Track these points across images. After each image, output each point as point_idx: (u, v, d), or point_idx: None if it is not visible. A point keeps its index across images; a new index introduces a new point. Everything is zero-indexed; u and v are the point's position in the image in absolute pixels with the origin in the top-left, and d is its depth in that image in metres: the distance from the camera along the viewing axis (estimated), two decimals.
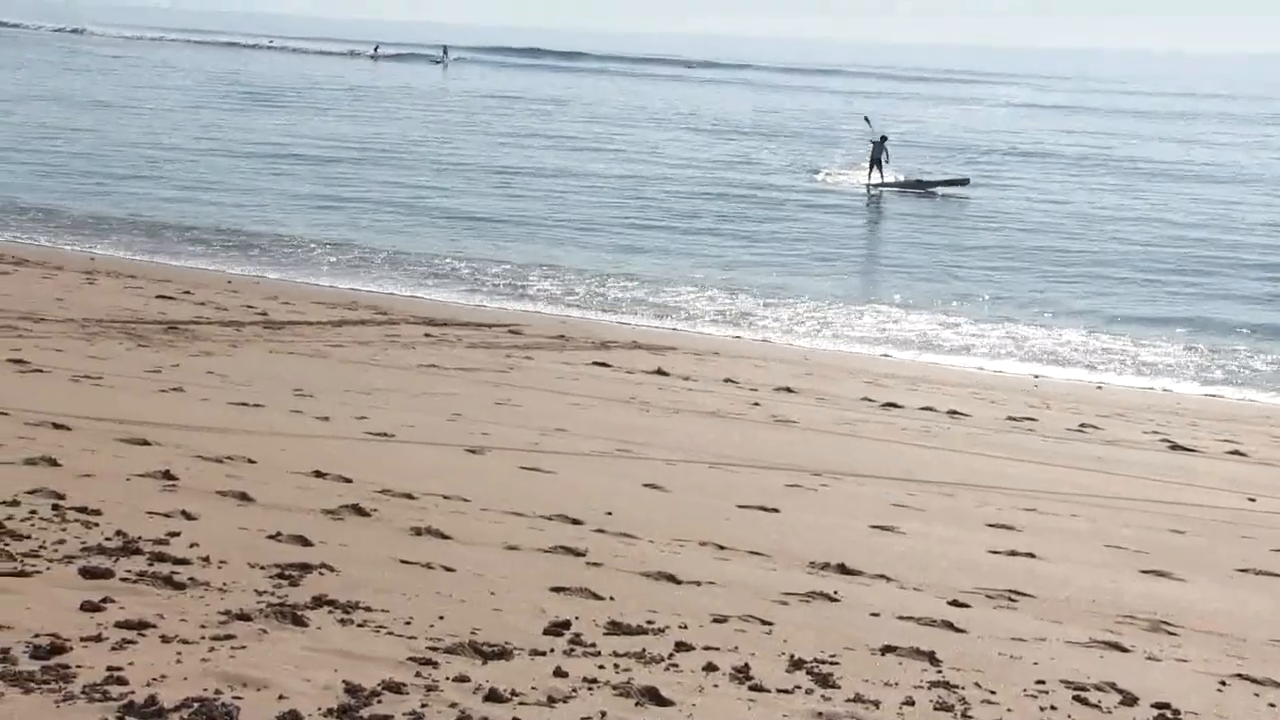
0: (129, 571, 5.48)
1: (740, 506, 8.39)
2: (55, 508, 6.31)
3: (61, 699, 4.20)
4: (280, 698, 4.36)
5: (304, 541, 6.26)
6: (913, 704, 5.00)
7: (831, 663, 5.35)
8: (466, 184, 35.17)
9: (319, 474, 7.88)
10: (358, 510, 7.04)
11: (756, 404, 13.34)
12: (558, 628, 5.39)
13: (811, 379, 15.54)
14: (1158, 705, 5.33)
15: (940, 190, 37.88)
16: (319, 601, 5.38)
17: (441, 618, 5.37)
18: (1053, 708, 5.16)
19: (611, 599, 5.92)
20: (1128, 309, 23.30)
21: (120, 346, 12.98)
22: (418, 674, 4.71)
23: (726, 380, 14.78)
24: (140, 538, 5.96)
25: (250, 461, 8.03)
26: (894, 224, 33.69)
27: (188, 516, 6.46)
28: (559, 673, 4.87)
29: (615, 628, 5.49)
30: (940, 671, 5.41)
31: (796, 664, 5.29)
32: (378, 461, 8.58)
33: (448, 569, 6.12)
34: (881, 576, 6.93)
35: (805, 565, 7.01)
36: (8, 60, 76.21)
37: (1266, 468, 12.42)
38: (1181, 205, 37.53)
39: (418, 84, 78.41)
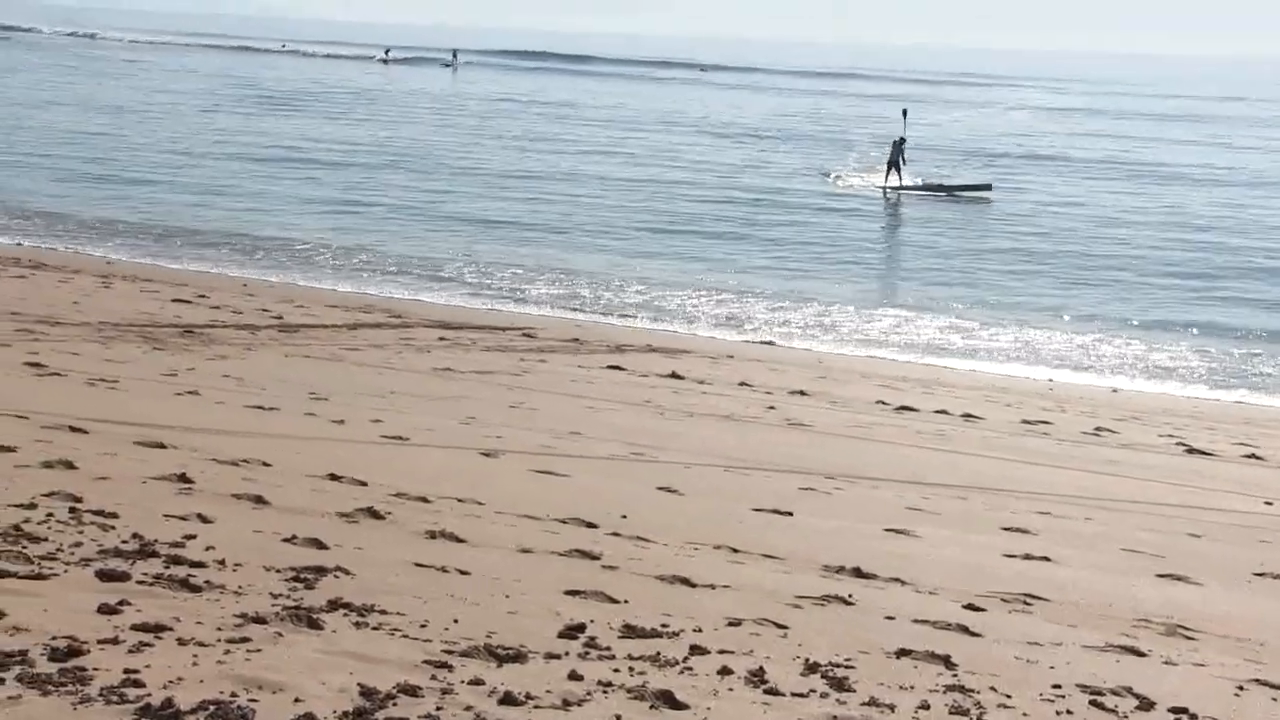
0: (145, 574, 5.49)
1: (754, 510, 8.38)
2: (72, 510, 6.33)
3: (79, 701, 4.21)
4: (296, 700, 4.36)
5: (319, 544, 6.27)
6: (928, 708, 4.99)
7: (846, 666, 5.34)
8: (481, 188, 35.21)
9: (334, 477, 7.90)
10: (373, 513, 7.05)
11: (771, 407, 13.33)
12: (572, 631, 5.39)
13: (825, 382, 15.53)
14: (1175, 710, 5.31)
15: (962, 194, 37.82)
16: (334, 604, 5.39)
17: (456, 621, 5.38)
18: (1069, 712, 5.14)
19: (626, 602, 5.92)
20: (1143, 313, 23.24)
21: (136, 350, 13.02)
22: (433, 677, 4.72)
23: (741, 384, 14.78)
24: (156, 540, 5.98)
25: (265, 464, 8.05)
26: (908, 227, 33.66)
27: (203, 519, 6.48)
28: (574, 676, 4.87)
29: (630, 631, 5.49)
30: (956, 675, 5.40)
31: (811, 667, 5.28)
32: (392, 464, 8.59)
33: (462, 572, 6.12)
34: (896, 580, 6.92)
35: (820, 569, 7.00)
36: (24, 64, 76.51)
37: None
38: (1199, 209, 37.43)
39: (428, 88, 78.56)
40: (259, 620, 5.08)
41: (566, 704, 4.62)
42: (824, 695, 5.00)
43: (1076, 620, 6.54)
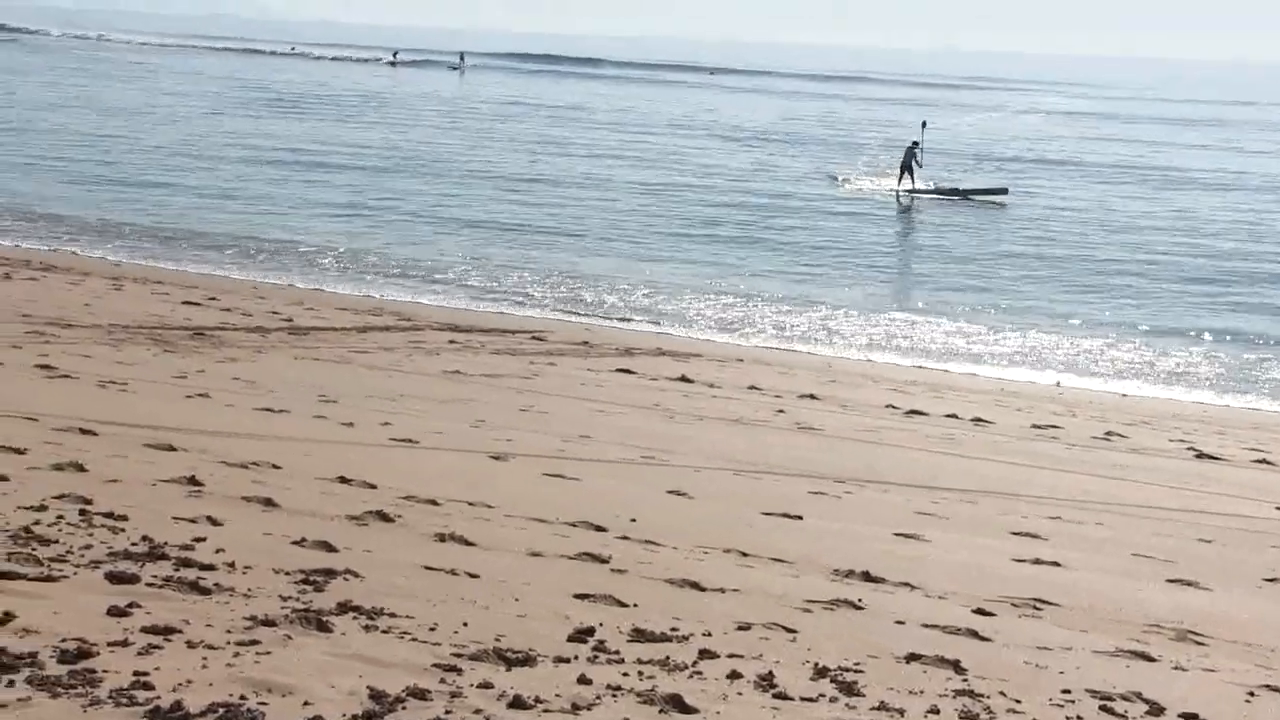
0: (155, 577, 5.50)
1: (764, 514, 8.38)
2: (82, 513, 6.34)
3: (88, 704, 4.21)
4: (305, 704, 4.36)
5: (328, 547, 6.27)
6: (938, 713, 4.97)
7: (856, 671, 5.33)
8: (490, 191, 35.24)
9: (343, 480, 7.90)
10: (382, 516, 7.05)
11: (780, 411, 13.32)
12: (582, 635, 5.39)
13: (835, 386, 15.51)
14: (1185, 715, 5.29)
15: (977, 198, 37.75)
16: (343, 607, 5.39)
17: (465, 624, 5.37)
18: (1079, 717, 5.13)
19: (635, 606, 5.91)
20: (1154, 318, 23.19)
21: (147, 352, 13.05)
22: (442, 680, 4.72)
23: (750, 387, 14.77)
24: (166, 543, 5.98)
25: (275, 467, 8.06)
26: (918, 231, 33.63)
27: (213, 522, 6.48)
28: (583, 680, 4.86)
29: (639, 635, 5.48)
30: (965, 680, 5.39)
31: (821, 672, 5.27)
32: (402, 467, 8.60)
33: (472, 575, 6.12)
34: (905, 584, 6.91)
35: (829, 573, 6.99)
36: (33, 66, 76.72)
37: None
38: (1211, 214, 37.36)
39: (437, 90, 78.66)
40: (268, 623, 5.08)
41: (575, 708, 4.61)
42: (833, 700, 4.99)
43: (1086, 625, 6.52)
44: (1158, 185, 44.49)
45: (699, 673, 5.12)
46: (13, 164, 34.58)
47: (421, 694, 4.55)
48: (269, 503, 7.06)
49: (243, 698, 4.34)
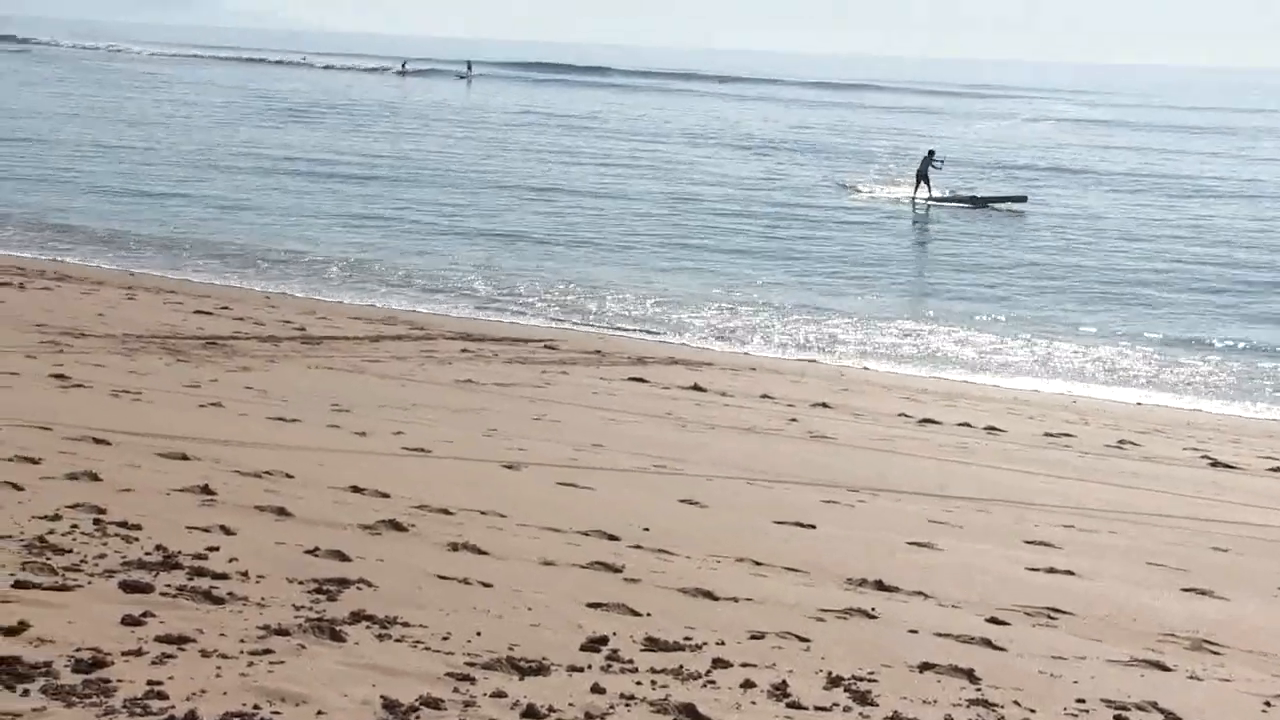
0: (169, 586, 5.51)
1: (777, 522, 8.37)
2: (96, 522, 6.35)
3: (103, 713, 4.22)
4: (318, 713, 4.37)
5: (342, 556, 6.28)
6: None
7: (870, 680, 5.32)
8: (502, 201, 35.28)
9: (356, 489, 7.91)
10: (395, 525, 7.06)
11: (793, 420, 13.31)
12: (595, 644, 5.39)
13: (848, 395, 15.49)
14: None
15: (998, 206, 37.66)
16: (357, 617, 5.39)
17: (479, 633, 5.38)
18: None
19: (649, 615, 5.91)
20: (1168, 326, 23.13)
21: (160, 362, 13.08)
22: (455, 689, 4.72)
23: (763, 396, 14.76)
24: (180, 552, 6.00)
25: (288, 476, 8.07)
26: (931, 241, 33.60)
27: (226, 531, 6.49)
28: (596, 689, 4.86)
29: (652, 644, 5.48)
30: (979, 689, 5.37)
31: (834, 681, 5.26)
32: (415, 476, 8.61)
33: (485, 584, 6.13)
34: (919, 593, 6.89)
35: (842, 582, 6.98)
36: (44, 77, 77.04)
37: None
38: (1224, 222, 37.25)
39: (447, 100, 78.81)
40: (282, 632, 5.09)
41: (589, 717, 4.61)
42: (846, 709, 4.99)
43: (1101, 634, 6.50)
44: (1171, 193, 44.37)
45: (712, 682, 5.11)
46: (26, 175, 34.73)
47: (435, 703, 4.55)
48: (282, 512, 7.07)
49: (256, 707, 4.35)
